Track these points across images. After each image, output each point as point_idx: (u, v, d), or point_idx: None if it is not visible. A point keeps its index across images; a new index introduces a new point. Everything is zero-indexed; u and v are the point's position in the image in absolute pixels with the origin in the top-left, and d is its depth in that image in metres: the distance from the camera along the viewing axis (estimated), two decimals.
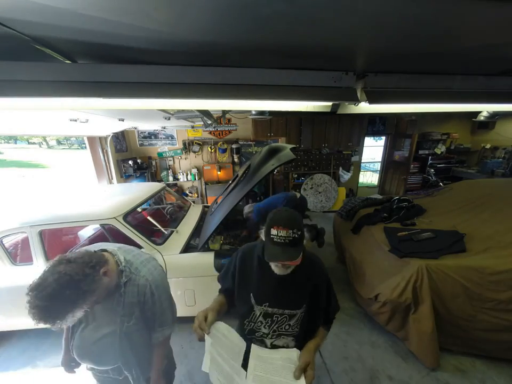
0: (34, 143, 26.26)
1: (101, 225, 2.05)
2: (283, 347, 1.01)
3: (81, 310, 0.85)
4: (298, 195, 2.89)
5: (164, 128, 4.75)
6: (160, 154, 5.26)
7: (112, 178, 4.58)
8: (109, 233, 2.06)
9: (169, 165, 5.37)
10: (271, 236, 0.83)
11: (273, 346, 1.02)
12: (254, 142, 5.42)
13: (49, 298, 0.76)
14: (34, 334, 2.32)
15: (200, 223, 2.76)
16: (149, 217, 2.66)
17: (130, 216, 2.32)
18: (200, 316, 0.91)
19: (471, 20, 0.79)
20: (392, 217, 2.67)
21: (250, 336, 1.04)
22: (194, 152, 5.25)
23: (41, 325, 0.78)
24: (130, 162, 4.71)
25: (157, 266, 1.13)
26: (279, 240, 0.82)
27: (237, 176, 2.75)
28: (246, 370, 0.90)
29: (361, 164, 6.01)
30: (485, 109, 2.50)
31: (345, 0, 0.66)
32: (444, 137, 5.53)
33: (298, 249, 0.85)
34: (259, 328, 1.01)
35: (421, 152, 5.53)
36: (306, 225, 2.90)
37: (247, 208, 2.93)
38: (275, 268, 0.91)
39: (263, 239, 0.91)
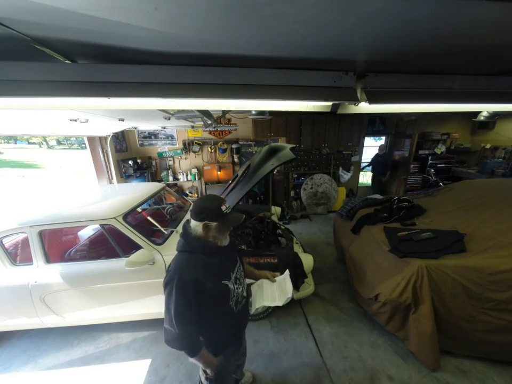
0: (34, 143, 26.28)
1: (100, 225, 2.05)
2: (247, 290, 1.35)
3: None
4: None
5: (164, 128, 4.75)
6: (160, 154, 5.26)
7: (112, 178, 4.58)
8: (108, 233, 2.06)
9: (169, 165, 5.37)
10: (224, 211, 1.08)
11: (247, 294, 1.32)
12: (254, 142, 5.42)
13: None
14: (34, 333, 2.33)
15: None
16: (148, 217, 2.66)
17: (130, 216, 2.32)
18: None
19: (471, 20, 0.79)
20: (392, 217, 2.66)
21: (240, 310, 1.22)
22: (194, 152, 5.25)
23: None
24: (130, 162, 4.71)
25: None
26: (229, 210, 1.11)
27: (237, 176, 2.75)
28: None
29: (361, 164, 6.01)
30: (485, 109, 2.50)
31: (346, 0, 0.66)
32: (444, 137, 5.53)
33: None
34: (238, 293, 1.21)
35: (421, 152, 5.53)
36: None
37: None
38: (224, 240, 1.16)
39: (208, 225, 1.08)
